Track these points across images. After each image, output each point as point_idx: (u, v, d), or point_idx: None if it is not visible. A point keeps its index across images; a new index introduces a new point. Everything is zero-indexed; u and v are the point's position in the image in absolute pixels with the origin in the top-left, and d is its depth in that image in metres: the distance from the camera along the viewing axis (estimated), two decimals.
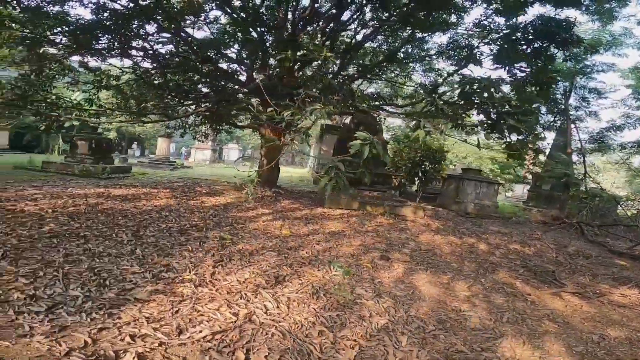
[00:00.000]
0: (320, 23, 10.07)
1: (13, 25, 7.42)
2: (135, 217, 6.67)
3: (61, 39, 8.87)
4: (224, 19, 11.08)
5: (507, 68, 8.62)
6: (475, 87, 5.47)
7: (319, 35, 9.80)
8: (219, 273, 4.40)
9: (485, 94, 5.38)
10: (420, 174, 12.31)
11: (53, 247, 4.51)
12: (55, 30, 8.36)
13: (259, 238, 6.27)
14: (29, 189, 8.22)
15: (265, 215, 8.07)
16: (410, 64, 13.04)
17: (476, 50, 9.75)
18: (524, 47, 8.42)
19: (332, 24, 10.01)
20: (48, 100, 8.46)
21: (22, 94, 7.50)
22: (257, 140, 31.00)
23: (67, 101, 9.11)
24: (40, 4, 8.04)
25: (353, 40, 11.25)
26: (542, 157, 16.64)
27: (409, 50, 12.43)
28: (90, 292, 3.38)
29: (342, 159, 4.46)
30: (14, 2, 7.39)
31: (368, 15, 11.15)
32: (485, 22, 9.76)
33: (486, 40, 9.57)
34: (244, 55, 10.51)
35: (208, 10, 10.19)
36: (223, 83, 10.44)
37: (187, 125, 13.58)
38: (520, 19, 8.86)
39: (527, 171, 26.45)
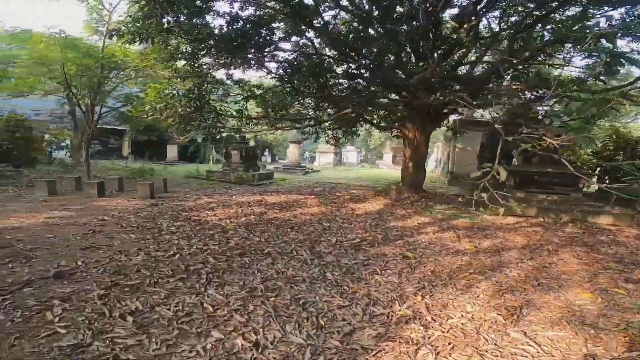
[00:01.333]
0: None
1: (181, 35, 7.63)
2: (301, 228, 6.23)
3: (209, 51, 9.01)
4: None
5: None
6: None
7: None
8: (433, 306, 3.39)
9: None
10: (611, 170, 9.41)
11: (247, 268, 4.18)
12: (206, 44, 8.51)
13: (442, 255, 5.10)
14: (204, 197, 8.73)
15: (429, 226, 6.86)
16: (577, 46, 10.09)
17: None
18: None
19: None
20: (215, 112, 8.80)
21: (197, 107, 7.85)
22: (376, 142, 30.02)
23: (229, 113, 9.41)
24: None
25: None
26: None
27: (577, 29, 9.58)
28: (310, 337, 2.68)
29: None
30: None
31: None
32: None
33: None
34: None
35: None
36: (366, 84, 9.57)
37: (319, 130, 13.28)
38: None
39: None
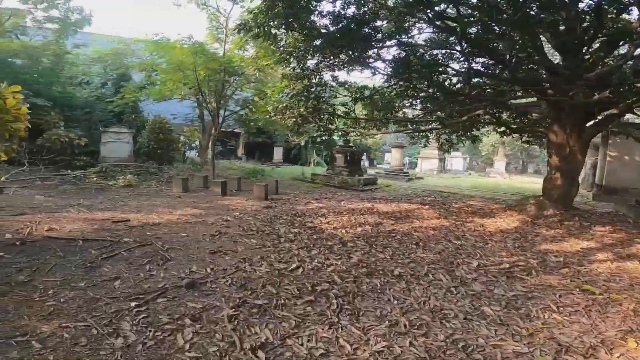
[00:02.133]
0: None
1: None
2: (427, 245, 5.25)
3: (315, 52, 8.50)
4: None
5: None
6: None
7: None
8: None
9: None
10: None
11: (379, 293, 3.51)
12: (313, 43, 8.03)
13: (637, 290, 3.59)
14: (313, 202, 8.38)
15: (599, 252, 5.16)
16: None
17: None
18: None
19: None
20: (332, 113, 8.35)
21: (314, 108, 7.47)
22: (489, 147, 26.61)
23: (343, 115, 8.89)
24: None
25: None
26: None
27: None
28: None
29: None
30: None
31: None
32: None
33: None
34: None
35: None
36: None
37: (430, 134, 11.87)
38: None
39: None
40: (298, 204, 8.00)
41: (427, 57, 9.17)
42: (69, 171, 9.66)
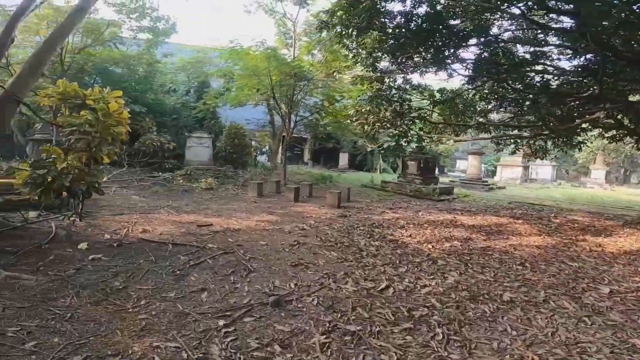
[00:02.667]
0: None
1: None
2: (536, 266, 4.43)
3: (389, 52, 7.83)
4: None
5: None
6: None
7: None
8: None
9: None
10: None
11: (491, 322, 2.97)
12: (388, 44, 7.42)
13: None
14: (388, 212, 7.80)
15: None
16: None
17: None
18: None
19: None
20: (419, 117, 7.71)
21: (397, 112, 6.91)
22: (587, 155, 23.04)
23: (428, 119, 8.18)
24: None
25: None
26: None
27: None
28: None
29: None
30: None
31: None
32: None
33: None
34: None
35: None
36: None
37: (519, 140, 10.41)
38: None
39: None
40: (372, 213, 7.50)
41: (515, 55, 8.01)
42: (160, 173, 10.45)
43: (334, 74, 10.95)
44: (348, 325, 2.70)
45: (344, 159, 23.29)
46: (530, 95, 8.29)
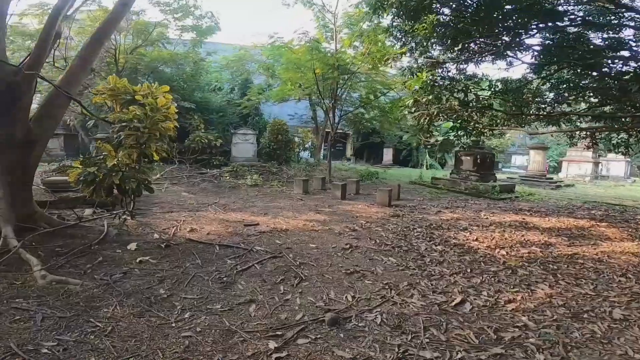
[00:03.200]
0: None
1: None
2: None
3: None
4: None
5: None
6: None
7: None
8: None
9: None
10: None
11: (607, 344, 2.13)
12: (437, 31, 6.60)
13: None
14: (445, 211, 7.06)
15: None
16: None
17: None
18: None
19: None
20: (489, 108, 6.90)
21: (462, 102, 6.13)
22: None
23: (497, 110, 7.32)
24: None
25: None
26: None
27: None
28: None
29: None
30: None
31: None
32: None
33: None
34: None
35: None
36: None
37: (595, 133, 8.97)
38: None
39: None
40: (427, 212, 6.82)
41: (590, 41, 6.81)
42: (208, 170, 10.56)
43: (379, 66, 10.26)
44: (422, 350, 2.21)
45: (388, 154, 22.35)
46: (615, 83, 7.04)
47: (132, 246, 3.65)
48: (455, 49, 6.97)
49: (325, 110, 11.34)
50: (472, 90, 6.54)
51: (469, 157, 11.12)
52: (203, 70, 13.91)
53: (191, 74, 13.26)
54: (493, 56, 7.94)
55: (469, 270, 3.67)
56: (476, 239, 4.94)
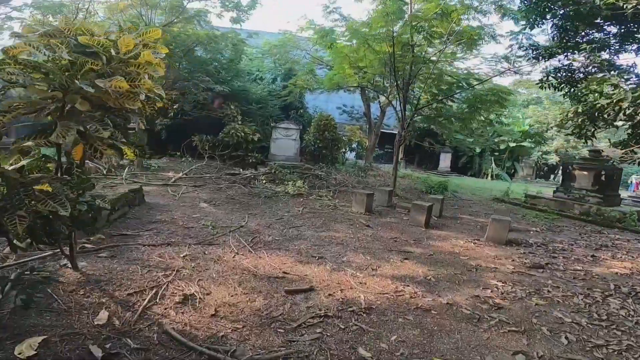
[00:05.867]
0: None
1: None
2: None
3: None
4: None
5: None
6: None
7: None
8: None
9: None
10: None
11: None
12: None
13: None
14: (600, 255, 4.30)
15: None
16: None
17: None
18: None
19: None
20: None
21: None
22: None
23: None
24: None
25: None
26: None
27: None
28: None
29: None
30: None
31: None
32: None
33: None
34: None
35: None
36: None
37: None
38: None
39: None
40: (577, 258, 4.11)
41: None
42: (241, 170, 8.49)
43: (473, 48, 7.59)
44: None
45: (445, 160, 19.25)
46: None
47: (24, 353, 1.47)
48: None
49: (400, 101, 8.54)
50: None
51: (585, 173, 8.05)
52: (243, 53, 11.91)
53: (230, 58, 11.33)
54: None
55: None
56: None
